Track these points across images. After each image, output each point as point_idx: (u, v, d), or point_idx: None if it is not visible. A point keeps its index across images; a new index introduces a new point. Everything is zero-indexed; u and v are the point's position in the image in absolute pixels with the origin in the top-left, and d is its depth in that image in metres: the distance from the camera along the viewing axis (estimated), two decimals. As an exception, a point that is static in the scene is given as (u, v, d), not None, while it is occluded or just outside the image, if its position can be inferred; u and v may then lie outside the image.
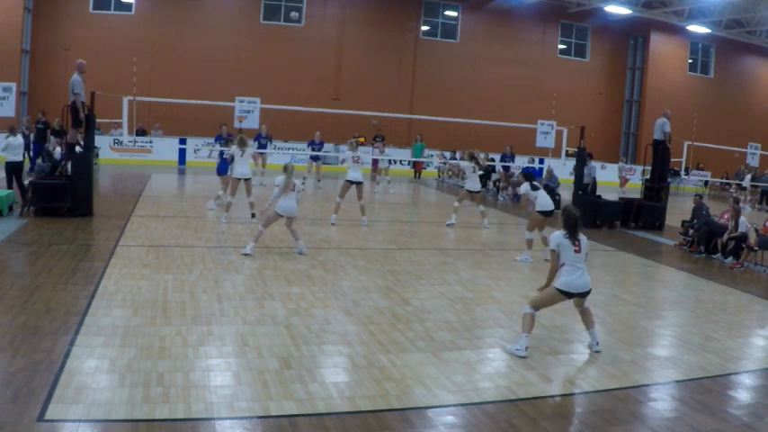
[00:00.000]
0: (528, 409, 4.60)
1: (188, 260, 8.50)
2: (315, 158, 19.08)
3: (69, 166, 11.50)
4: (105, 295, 6.66)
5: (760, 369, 5.89)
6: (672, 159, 16.01)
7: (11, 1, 22.49)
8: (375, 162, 20.76)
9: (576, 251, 5.64)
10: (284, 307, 6.68)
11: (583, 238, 5.76)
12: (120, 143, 22.35)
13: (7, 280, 7.08)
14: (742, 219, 11.18)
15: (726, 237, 11.16)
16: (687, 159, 19.36)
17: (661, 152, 14.95)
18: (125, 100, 13.00)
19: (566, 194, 17.14)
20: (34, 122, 18.12)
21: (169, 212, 12.54)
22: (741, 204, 13.09)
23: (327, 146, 20.42)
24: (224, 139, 14.04)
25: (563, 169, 20.57)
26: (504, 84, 28.72)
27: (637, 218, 14.72)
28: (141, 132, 23.01)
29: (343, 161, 12.50)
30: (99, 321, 5.81)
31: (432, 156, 24.61)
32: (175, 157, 23.27)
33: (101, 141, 20.45)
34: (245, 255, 8.87)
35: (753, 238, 11.12)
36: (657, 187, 15.01)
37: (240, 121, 14.23)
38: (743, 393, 5.34)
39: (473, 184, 12.99)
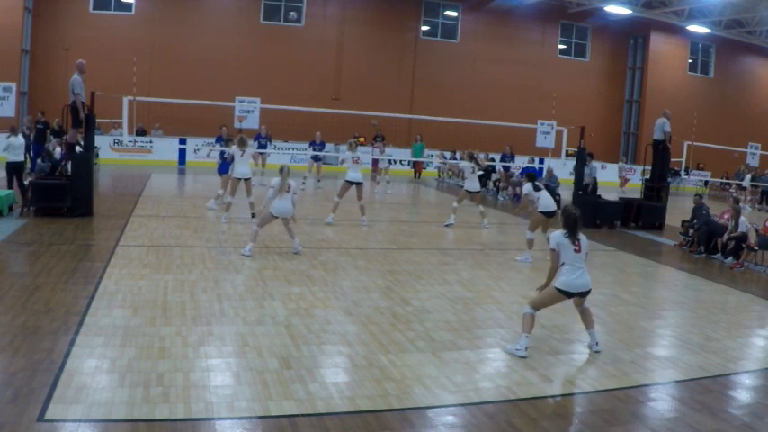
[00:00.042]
0: (528, 409, 4.60)
1: (188, 260, 8.50)
2: (316, 159, 19.11)
3: (69, 166, 11.50)
4: (105, 295, 6.66)
5: (760, 369, 5.89)
6: (672, 159, 16.00)
7: (11, 1, 22.49)
8: (375, 162, 20.77)
9: (575, 251, 5.64)
10: (284, 307, 6.68)
11: (583, 237, 5.76)
12: (120, 143, 22.35)
13: (7, 280, 7.09)
14: (742, 219, 11.18)
15: (726, 237, 11.16)
16: (687, 159, 19.34)
17: (661, 152, 14.95)
18: (125, 100, 13.00)
19: (566, 194, 17.14)
20: (34, 122, 18.12)
21: (169, 212, 12.54)
22: (741, 204, 13.09)
23: (327, 146, 20.42)
24: (224, 141, 14.04)
25: (563, 169, 20.57)
26: (504, 84, 28.72)
27: (637, 218, 14.72)
28: (141, 132, 23.01)
29: (343, 161, 12.51)
30: (99, 321, 5.81)
31: (432, 156, 24.61)
32: (175, 157, 23.28)
33: (101, 141, 20.46)
34: (245, 256, 8.88)
35: (753, 238, 11.12)
36: (657, 187, 15.01)
37: (240, 122, 14.21)
38: (743, 393, 5.34)
39: (472, 184, 12.99)
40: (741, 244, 10.88)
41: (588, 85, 30.66)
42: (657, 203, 14.88)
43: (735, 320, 7.47)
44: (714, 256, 11.40)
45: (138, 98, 14.30)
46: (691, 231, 12.09)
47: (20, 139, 12.36)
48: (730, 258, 10.98)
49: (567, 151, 18.08)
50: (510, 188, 19.38)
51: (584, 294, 5.74)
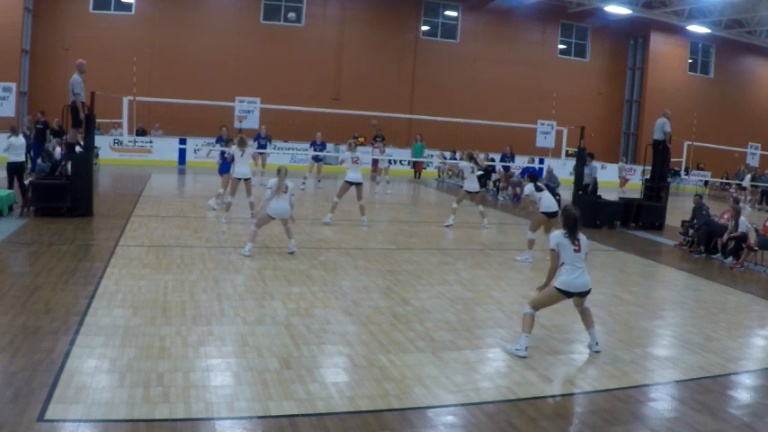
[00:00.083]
0: (528, 409, 4.61)
1: (188, 260, 8.50)
2: (317, 159, 19.12)
3: (69, 166, 11.50)
4: (105, 295, 6.66)
5: (760, 369, 5.89)
6: (672, 159, 16.00)
7: (11, 1, 22.49)
8: (375, 162, 20.77)
9: (575, 250, 5.64)
10: (284, 307, 6.68)
11: (582, 237, 5.76)
12: (120, 143, 22.35)
13: (7, 280, 7.09)
14: (742, 219, 11.18)
15: (726, 237, 11.16)
16: (687, 159, 19.35)
17: (661, 152, 14.95)
18: (125, 100, 13.00)
19: (566, 194, 17.13)
20: (34, 123, 18.12)
21: (169, 212, 12.54)
22: (741, 204, 13.09)
23: (328, 146, 20.42)
24: (224, 141, 14.05)
25: (563, 169, 20.57)
26: (504, 84, 28.72)
27: (637, 218, 14.72)
28: (141, 132, 23.01)
29: (343, 162, 12.52)
30: (99, 321, 5.81)
31: (432, 156, 24.62)
32: (175, 157, 23.28)
33: (101, 141, 20.46)
34: (245, 256, 8.88)
35: (753, 238, 11.12)
36: (657, 187, 15.01)
37: (240, 122, 14.22)
38: (743, 393, 5.34)
39: (472, 184, 13.00)
40: (741, 244, 10.88)
41: (588, 85, 30.66)
42: (657, 203, 14.88)
43: (735, 320, 7.47)
44: (714, 256, 11.40)
45: (138, 98, 14.30)
46: (691, 231, 12.09)
47: (20, 140, 12.36)
48: (730, 258, 10.98)
49: (567, 151, 18.08)
50: (510, 188, 19.38)
51: (583, 294, 5.75)
